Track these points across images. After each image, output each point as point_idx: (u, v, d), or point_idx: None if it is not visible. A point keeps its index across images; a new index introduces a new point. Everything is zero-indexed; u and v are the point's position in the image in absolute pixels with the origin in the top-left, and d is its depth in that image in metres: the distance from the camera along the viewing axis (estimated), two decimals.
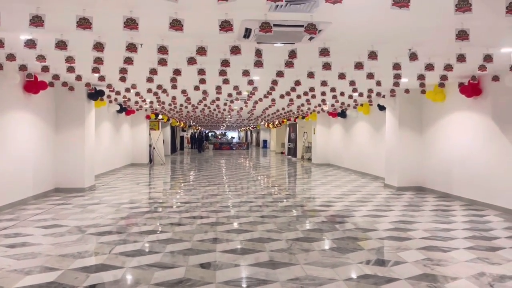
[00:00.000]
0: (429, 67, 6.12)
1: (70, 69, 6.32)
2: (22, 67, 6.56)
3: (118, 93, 11.00)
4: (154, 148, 19.83)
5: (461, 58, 5.31)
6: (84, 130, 10.05)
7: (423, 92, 8.93)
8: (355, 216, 7.33)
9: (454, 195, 9.24)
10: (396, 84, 7.73)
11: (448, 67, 6.11)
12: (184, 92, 10.22)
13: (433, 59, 6.16)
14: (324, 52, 5.12)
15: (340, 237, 5.83)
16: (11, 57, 5.53)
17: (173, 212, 7.65)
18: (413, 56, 5.42)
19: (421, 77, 7.26)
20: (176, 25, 3.87)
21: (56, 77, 7.48)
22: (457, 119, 9.27)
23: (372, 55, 5.33)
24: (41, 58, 5.64)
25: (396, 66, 6.11)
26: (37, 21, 3.72)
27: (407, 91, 9.86)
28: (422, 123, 10.72)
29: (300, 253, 5.03)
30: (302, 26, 4.25)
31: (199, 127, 45.53)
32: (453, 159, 9.36)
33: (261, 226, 6.45)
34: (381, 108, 12.25)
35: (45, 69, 6.64)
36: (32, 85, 8.30)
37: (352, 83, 8.02)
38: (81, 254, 4.91)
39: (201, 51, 5.00)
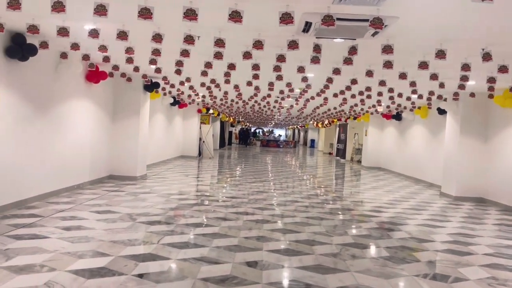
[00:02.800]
0: (503, 69, 5.63)
1: (129, 60, 6.46)
2: (85, 57, 6.79)
3: (172, 86, 11.20)
4: (203, 141, 20.14)
5: None
6: (139, 121, 10.34)
7: (491, 96, 8.28)
8: (409, 224, 6.93)
9: None
10: (462, 86, 7.20)
11: None
12: (236, 87, 10.20)
13: (508, 61, 5.65)
14: (387, 49, 4.83)
15: (393, 245, 5.51)
16: (75, 46, 5.72)
17: (220, 206, 7.64)
18: (486, 57, 4.98)
19: (491, 80, 6.70)
20: (235, 16, 3.78)
21: (115, 67, 7.70)
22: None
23: (440, 54, 4.95)
24: (103, 48, 5.79)
25: (465, 67, 5.66)
26: (101, 10, 3.77)
27: (472, 94, 9.20)
28: (487, 130, 9.97)
29: (350, 259, 4.80)
30: (367, 20, 4.00)
31: (247, 123, 45.81)
32: None
33: (308, 228, 6.26)
34: (441, 112, 11.56)
35: (106, 59, 6.84)
36: (93, 75, 8.63)
37: (412, 83, 7.59)
38: (131, 242, 4.99)
39: (258, 45, 4.88)
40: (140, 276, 3.92)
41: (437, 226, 6.86)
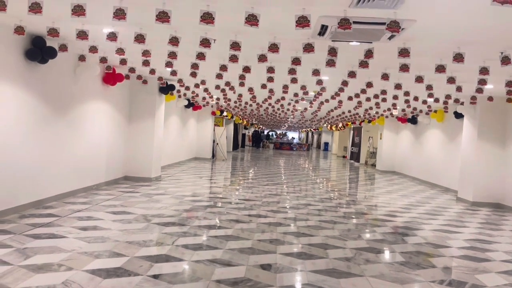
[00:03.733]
0: None
1: (146, 63, 6.54)
2: (103, 59, 6.91)
3: (187, 88, 11.30)
4: (217, 144, 20.23)
5: None
6: (154, 122, 10.45)
7: (510, 100, 8.14)
8: (425, 229, 6.84)
9: None
10: (479, 90, 7.10)
11: None
12: (250, 90, 10.24)
13: None
14: (404, 52, 4.79)
15: (408, 250, 5.45)
16: (93, 49, 5.83)
17: (233, 208, 7.66)
18: (505, 60, 4.90)
19: (510, 83, 6.60)
20: (252, 20, 3.80)
21: (132, 70, 7.81)
22: None
23: (458, 58, 4.89)
24: (120, 51, 5.89)
25: (483, 71, 5.58)
26: (120, 14, 3.84)
27: (490, 98, 9.03)
28: (506, 135, 9.79)
29: (365, 264, 4.76)
30: (383, 23, 3.98)
31: (261, 126, 45.86)
32: None
33: (321, 231, 6.23)
34: (458, 116, 11.40)
35: (123, 62, 6.95)
36: (110, 77, 8.76)
37: (429, 87, 7.50)
38: (146, 243, 5.05)
39: (274, 48, 4.90)
40: (155, 277, 3.96)
41: (454, 232, 6.76)
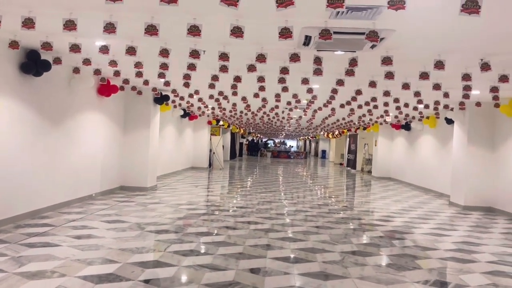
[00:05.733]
0: (503, 78, 5.69)
1: (139, 74, 6.70)
2: (97, 71, 7.07)
3: (182, 98, 11.46)
4: (214, 153, 20.36)
5: None
6: (149, 133, 10.58)
7: (497, 106, 8.31)
8: (415, 233, 6.95)
9: None
10: (466, 96, 7.28)
11: None
12: (244, 99, 10.40)
13: (509, 70, 5.72)
14: (387, 60, 4.95)
15: (397, 253, 5.56)
16: (87, 61, 5.99)
17: (228, 216, 7.77)
18: (485, 66, 5.07)
19: (494, 89, 6.76)
20: (237, 32, 3.96)
21: (126, 81, 7.97)
22: None
23: (439, 65, 5.07)
24: (113, 63, 6.05)
25: (466, 77, 5.75)
26: (110, 28, 4.00)
27: (478, 104, 9.22)
28: (495, 139, 9.96)
29: (354, 266, 4.87)
30: (363, 33, 4.15)
31: (258, 135, 46.07)
32: None
33: (315, 236, 6.34)
34: (449, 121, 11.57)
35: (117, 73, 7.11)
36: (105, 89, 8.91)
37: (417, 94, 7.66)
38: (139, 250, 5.15)
39: (261, 58, 5.06)
40: (147, 281, 4.06)
41: (443, 235, 6.87)
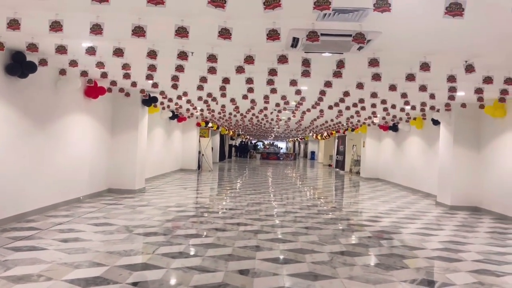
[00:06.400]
0: (488, 80, 5.80)
1: (126, 76, 6.65)
2: (83, 73, 7.00)
3: (170, 100, 11.40)
4: (203, 155, 20.30)
5: None
6: (137, 135, 10.51)
7: (482, 107, 8.45)
8: (403, 233, 7.03)
9: None
10: (451, 97, 7.39)
11: (509, 81, 5.75)
12: (233, 100, 10.39)
13: (492, 72, 5.83)
14: (374, 62, 5.01)
15: (385, 253, 5.61)
16: (73, 63, 5.93)
17: (218, 217, 7.75)
18: (469, 68, 5.16)
19: (478, 90, 6.87)
20: (224, 33, 3.97)
21: (113, 83, 7.90)
22: None
23: (424, 67, 5.13)
24: (100, 64, 6.00)
25: (451, 79, 5.84)
26: (96, 29, 3.97)
27: (463, 105, 9.36)
28: (480, 140, 10.12)
29: (342, 267, 4.90)
30: (350, 35, 4.19)
31: (248, 136, 46.10)
32: None
33: (304, 237, 6.37)
34: (435, 122, 11.72)
35: (104, 75, 7.05)
36: (92, 91, 8.83)
37: (403, 95, 7.76)
38: (127, 252, 5.11)
39: (249, 60, 5.08)
40: (134, 284, 4.03)
41: (430, 235, 6.96)
